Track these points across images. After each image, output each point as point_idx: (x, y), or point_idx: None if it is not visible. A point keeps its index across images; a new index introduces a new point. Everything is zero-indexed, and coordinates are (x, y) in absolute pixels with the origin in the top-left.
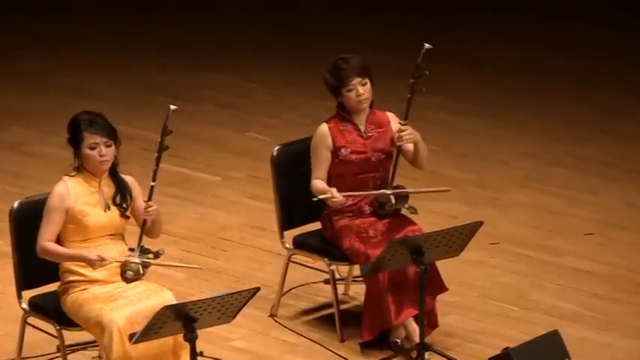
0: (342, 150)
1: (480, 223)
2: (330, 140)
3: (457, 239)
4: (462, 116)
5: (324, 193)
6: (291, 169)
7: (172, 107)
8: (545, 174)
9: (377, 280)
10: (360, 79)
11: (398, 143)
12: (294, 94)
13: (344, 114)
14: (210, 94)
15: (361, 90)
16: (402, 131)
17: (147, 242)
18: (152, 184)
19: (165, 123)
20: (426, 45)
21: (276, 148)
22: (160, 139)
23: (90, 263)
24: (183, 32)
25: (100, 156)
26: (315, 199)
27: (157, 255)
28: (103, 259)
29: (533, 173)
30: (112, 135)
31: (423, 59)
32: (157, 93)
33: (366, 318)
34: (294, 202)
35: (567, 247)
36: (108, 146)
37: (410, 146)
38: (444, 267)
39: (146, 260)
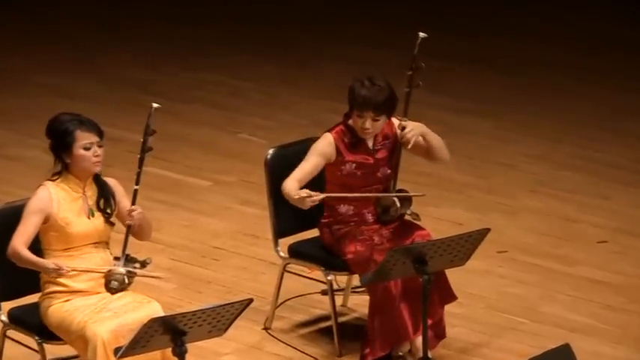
0: (347, 165)
1: (486, 231)
2: (333, 152)
3: (462, 247)
4: (464, 116)
5: (291, 196)
6: (286, 173)
7: (155, 105)
8: (555, 178)
9: (388, 289)
10: (373, 115)
11: (406, 147)
12: (288, 93)
13: (350, 125)
14: (198, 93)
15: (368, 125)
16: (403, 129)
17: (135, 249)
18: (135, 187)
19: (147, 122)
20: (421, 34)
21: (271, 150)
22: (142, 140)
23: (46, 273)
24: (168, 28)
25: (95, 156)
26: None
27: (143, 264)
28: (59, 269)
29: (543, 177)
30: (102, 135)
31: (419, 50)
32: (143, 92)
33: (374, 332)
34: (290, 208)
35: (579, 256)
36: (100, 146)
37: (419, 141)
38: (449, 277)
39: (131, 270)
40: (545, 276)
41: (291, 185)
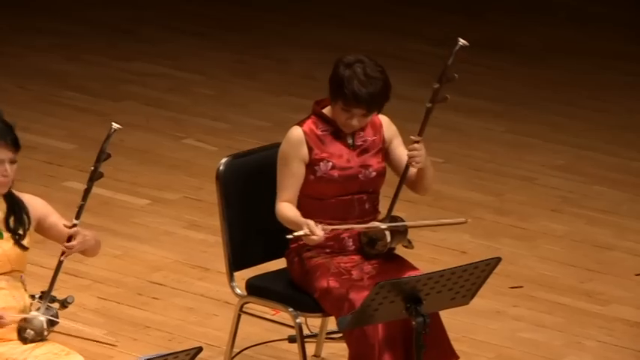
0: (321, 164)
1: (497, 261)
2: (305, 150)
3: (467, 282)
4: (470, 116)
5: (297, 223)
6: (243, 189)
7: (115, 126)
8: (584, 194)
9: (364, 335)
10: (364, 112)
11: (413, 165)
12: (244, 88)
13: (325, 115)
14: (132, 87)
15: (356, 121)
16: (413, 150)
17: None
18: (75, 222)
19: (102, 147)
20: (461, 41)
21: (223, 160)
22: (92, 167)
23: None
24: (93, 6)
25: (4, 176)
26: (289, 236)
27: (63, 304)
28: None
29: (569, 193)
30: (18, 147)
31: (455, 59)
32: (63, 87)
33: None
34: (249, 233)
35: (614, 292)
36: (13, 162)
37: (412, 169)
38: (450, 320)
39: (54, 319)
40: (571, 318)
41: (287, 211)
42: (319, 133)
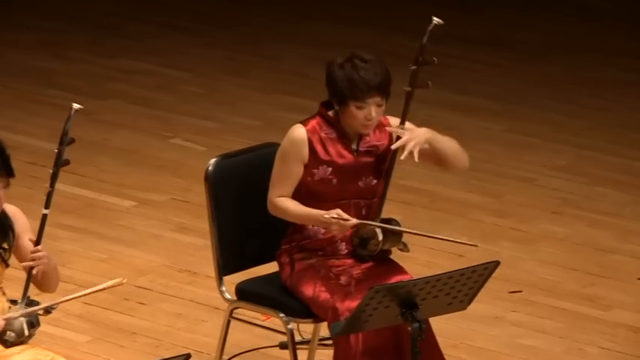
0: (320, 168)
1: (495, 264)
2: (305, 151)
3: (464, 286)
4: (468, 115)
5: (308, 216)
6: (232, 191)
7: (75, 106)
8: (586, 196)
9: (347, 343)
10: (379, 99)
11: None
12: (234, 85)
13: (330, 117)
14: (118, 85)
15: (374, 113)
16: (399, 138)
17: (37, 289)
18: (44, 211)
19: (65, 128)
20: (435, 19)
21: (212, 160)
22: (57, 150)
23: None
24: (74, 1)
25: None
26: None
27: (47, 310)
28: None
29: (570, 195)
30: (12, 173)
31: (430, 38)
32: (47, 85)
33: None
34: (238, 236)
35: (616, 297)
36: (5, 187)
37: (425, 149)
38: (446, 326)
39: (33, 320)
40: (572, 323)
41: (288, 203)
42: (323, 135)
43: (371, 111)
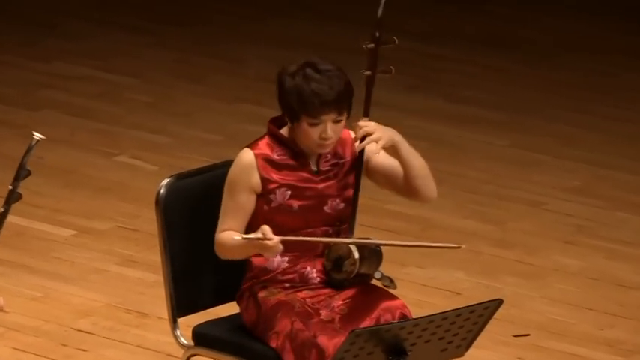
0: (277, 192)
1: (498, 303)
2: (256, 178)
3: (461, 329)
4: (466, 127)
5: (242, 246)
6: (188, 217)
7: (37, 136)
8: (604, 222)
9: None
10: (335, 116)
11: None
12: (189, 93)
13: (282, 136)
14: (53, 94)
15: (330, 132)
16: (364, 138)
17: None
18: None
19: (22, 162)
20: None
21: (164, 182)
22: (10, 187)
23: None
24: None
25: None
26: (237, 237)
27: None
28: None
29: (585, 221)
30: None
31: (384, 9)
32: None
33: None
34: (195, 271)
35: (639, 341)
36: None
37: (385, 161)
38: None
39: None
40: None
41: (225, 238)
42: (275, 158)
43: (326, 129)
